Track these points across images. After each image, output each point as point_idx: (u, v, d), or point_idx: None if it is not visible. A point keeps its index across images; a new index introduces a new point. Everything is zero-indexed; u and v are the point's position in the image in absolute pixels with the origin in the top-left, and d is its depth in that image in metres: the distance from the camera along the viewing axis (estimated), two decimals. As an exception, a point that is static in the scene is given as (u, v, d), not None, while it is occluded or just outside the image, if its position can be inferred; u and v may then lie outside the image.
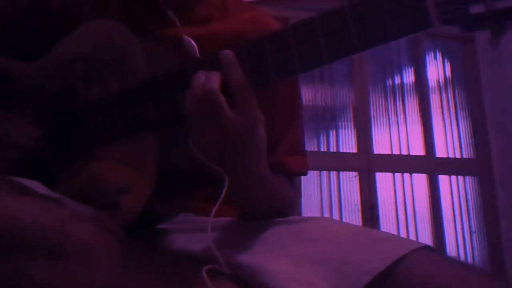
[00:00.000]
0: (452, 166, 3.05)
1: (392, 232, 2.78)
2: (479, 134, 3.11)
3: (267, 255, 0.70)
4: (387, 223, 2.83)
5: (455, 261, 0.67)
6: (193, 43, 0.83)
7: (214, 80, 0.66)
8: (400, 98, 3.07)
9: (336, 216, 2.77)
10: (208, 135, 0.67)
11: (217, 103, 0.65)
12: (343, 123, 2.92)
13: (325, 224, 0.77)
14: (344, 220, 2.77)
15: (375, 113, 2.98)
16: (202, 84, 0.67)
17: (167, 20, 0.87)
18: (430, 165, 2.99)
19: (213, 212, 0.68)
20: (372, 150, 2.89)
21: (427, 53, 3.18)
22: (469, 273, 0.64)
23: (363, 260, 0.65)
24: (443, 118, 3.13)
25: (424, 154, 3.01)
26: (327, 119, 2.92)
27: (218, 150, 0.68)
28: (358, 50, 0.63)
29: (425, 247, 0.67)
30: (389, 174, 2.91)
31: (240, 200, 0.77)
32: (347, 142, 2.89)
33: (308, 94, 2.89)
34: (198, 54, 0.82)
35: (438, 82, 3.18)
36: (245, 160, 0.69)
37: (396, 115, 3.04)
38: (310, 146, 2.82)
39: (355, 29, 0.63)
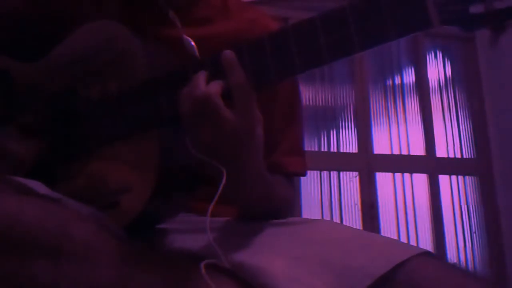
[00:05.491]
0: (452, 166, 3.05)
1: (392, 232, 2.80)
2: (479, 134, 3.11)
3: (267, 255, 0.70)
4: (387, 223, 2.83)
5: (455, 268, 0.67)
6: (192, 42, 0.82)
7: (213, 82, 0.67)
8: (401, 98, 3.07)
9: (336, 216, 2.77)
10: (205, 135, 0.67)
11: (216, 105, 0.65)
12: (343, 123, 2.92)
13: (326, 226, 0.77)
14: (344, 220, 2.77)
15: (375, 113, 2.98)
16: (200, 85, 0.67)
17: (167, 21, 0.87)
18: (431, 165, 2.99)
19: (210, 208, 0.68)
20: (373, 150, 2.89)
21: (427, 53, 3.18)
22: (470, 281, 0.64)
23: (364, 264, 0.64)
24: (444, 118, 3.13)
25: (425, 154, 3.01)
26: (328, 119, 2.92)
27: (215, 149, 0.68)
28: (358, 50, 0.63)
29: (426, 253, 0.67)
30: (390, 174, 2.91)
31: (238, 198, 0.77)
32: (348, 142, 2.89)
33: (309, 94, 2.89)
34: (197, 54, 0.82)
35: (439, 82, 3.18)
36: (242, 160, 0.69)
37: (397, 115, 3.04)
38: (310, 146, 2.82)
39: (355, 29, 0.63)
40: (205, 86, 0.67)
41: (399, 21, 0.61)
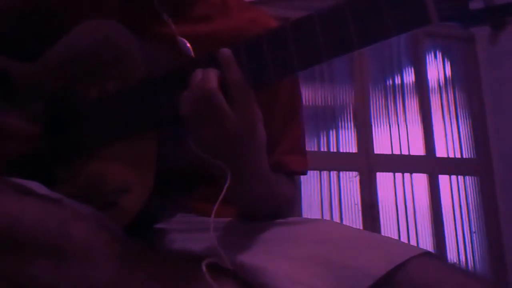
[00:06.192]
0: (452, 166, 3.05)
1: (392, 232, 2.80)
2: (479, 134, 3.10)
3: (268, 255, 0.70)
4: (387, 223, 2.83)
5: (456, 268, 0.68)
6: (187, 44, 0.82)
7: (212, 79, 0.66)
8: (401, 98, 3.07)
9: (336, 216, 2.77)
10: (207, 134, 0.67)
11: (217, 103, 0.65)
12: (343, 123, 2.92)
13: (327, 226, 0.77)
14: (344, 220, 2.77)
15: (375, 113, 2.97)
16: (200, 83, 0.67)
17: (164, 21, 0.87)
18: (431, 165, 2.99)
19: (215, 208, 0.68)
20: (373, 150, 2.89)
21: (427, 53, 3.18)
22: (470, 281, 0.64)
23: (364, 264, 0.65)
24: (444, 118, 3.12)
25: (425, 154, 3.01)
26: (327, 119, 2.92)
27: (218, 149, 0.68)
28: (357, 47, 0.63)
29: (427, 253, 0.67)
30: (390, 174, 2.91)
31: (241, 198, 0.77)
32: (348, 142, 2.89)
33: (308, 94, 2.89)
34: (192, 55, 0.81)
35: (439, 82, 3.18)
36: (245, 159, 0.69)
37: (397, 115, 3.04)
38: (310, 146, 2.82)
39: (353, 26, 0.63)
40: (203, 84, 0.67)
41: (398, 18, 0.61)
